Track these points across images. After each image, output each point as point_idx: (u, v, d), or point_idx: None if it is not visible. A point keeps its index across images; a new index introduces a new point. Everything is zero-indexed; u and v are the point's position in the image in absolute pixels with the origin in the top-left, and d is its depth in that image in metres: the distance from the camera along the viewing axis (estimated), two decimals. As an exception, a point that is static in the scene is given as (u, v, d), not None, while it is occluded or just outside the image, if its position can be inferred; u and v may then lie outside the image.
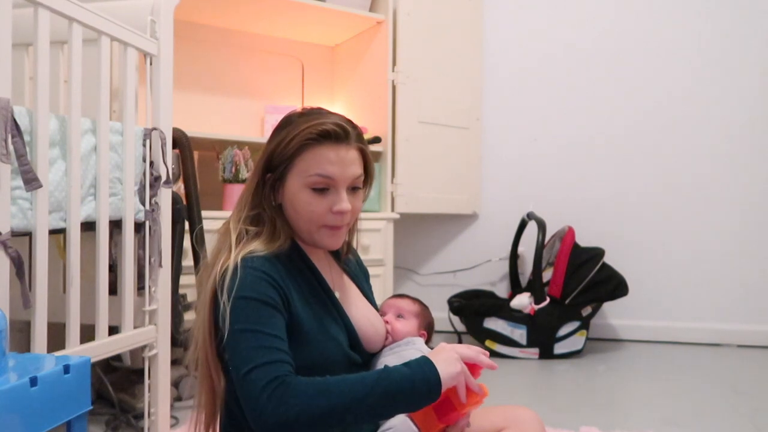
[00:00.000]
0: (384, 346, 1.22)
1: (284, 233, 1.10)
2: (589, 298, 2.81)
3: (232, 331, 0.97)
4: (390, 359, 1.18)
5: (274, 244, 1.07)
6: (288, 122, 1.10)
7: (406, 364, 0.96)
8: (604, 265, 2.85)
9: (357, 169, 1.09)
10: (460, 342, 2.92)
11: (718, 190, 3.14)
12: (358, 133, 1.11)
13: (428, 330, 1.32)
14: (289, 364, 0.95)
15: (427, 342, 1.28)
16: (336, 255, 1.22)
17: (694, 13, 3.16)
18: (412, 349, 1.19)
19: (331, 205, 1.07)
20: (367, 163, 1.13)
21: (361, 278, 1.28)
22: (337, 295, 1.14)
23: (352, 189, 1.10)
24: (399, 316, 1.27)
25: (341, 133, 1.06)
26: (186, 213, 1.95)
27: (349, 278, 1.23)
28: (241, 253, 1.03)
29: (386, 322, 1.25)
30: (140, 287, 1.63)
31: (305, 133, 1.05)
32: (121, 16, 1.53)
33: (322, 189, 1.06)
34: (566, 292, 2.78)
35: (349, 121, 1.10)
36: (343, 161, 1.06)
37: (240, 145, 2.55)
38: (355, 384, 0.93)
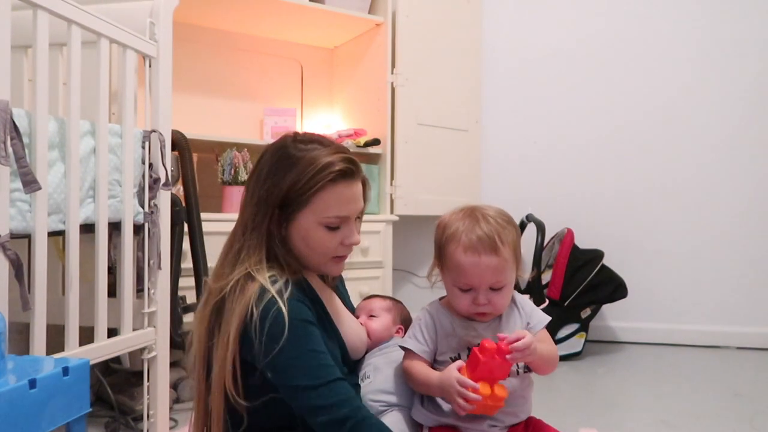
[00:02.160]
0: (368, 349, 1.26)
1: (295, 267, 1.11)
2: (588, 300, 2.81)
3: (297, 351, 1.00)
4: (378, 359, 1.23)
5: (291, 275, 1.09)
6: (290, 158, 1.08)
7: None
8: (604, 267, 2.85)
9: (362, 203, 1.14)
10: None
11: (718, 193, 3.13)
12: (358, 163, 1.14)
13: (405, 324, 1.35)
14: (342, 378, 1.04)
15: None
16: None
17: (693, 13, 3.16)
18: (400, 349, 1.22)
19: (342, 239, 1.11)
20: (366, 190, 1.17)
21: (340, 286, 1.32)
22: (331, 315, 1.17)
23: (356, 218, 1.15)
24: (371, 316, 1.32)
25: (354, 170, 1.10)
26: (185, 215, 1.95)
27: (334, 293, 1.26)
28: (272, 287, 1.03)
29: (361, 325, 1.29)
30: (139, 289, 1.63)
31: (324, 175, 1.06)
32: (120, 18, 1.53)
33: (336, 226, 1.10)
34: (565, 294, 2.78)
35: (349, 151, 1.13)
36: (356, 198, 1.12)
37: (239, 147, 2.55)
38: None
